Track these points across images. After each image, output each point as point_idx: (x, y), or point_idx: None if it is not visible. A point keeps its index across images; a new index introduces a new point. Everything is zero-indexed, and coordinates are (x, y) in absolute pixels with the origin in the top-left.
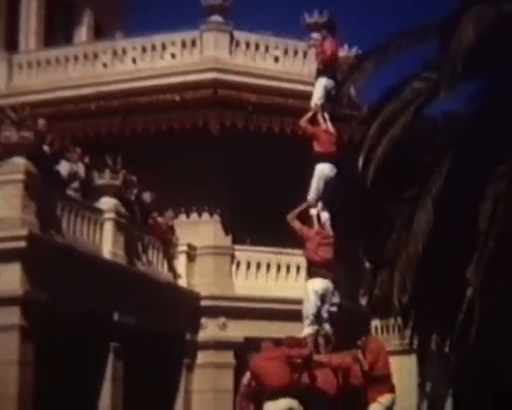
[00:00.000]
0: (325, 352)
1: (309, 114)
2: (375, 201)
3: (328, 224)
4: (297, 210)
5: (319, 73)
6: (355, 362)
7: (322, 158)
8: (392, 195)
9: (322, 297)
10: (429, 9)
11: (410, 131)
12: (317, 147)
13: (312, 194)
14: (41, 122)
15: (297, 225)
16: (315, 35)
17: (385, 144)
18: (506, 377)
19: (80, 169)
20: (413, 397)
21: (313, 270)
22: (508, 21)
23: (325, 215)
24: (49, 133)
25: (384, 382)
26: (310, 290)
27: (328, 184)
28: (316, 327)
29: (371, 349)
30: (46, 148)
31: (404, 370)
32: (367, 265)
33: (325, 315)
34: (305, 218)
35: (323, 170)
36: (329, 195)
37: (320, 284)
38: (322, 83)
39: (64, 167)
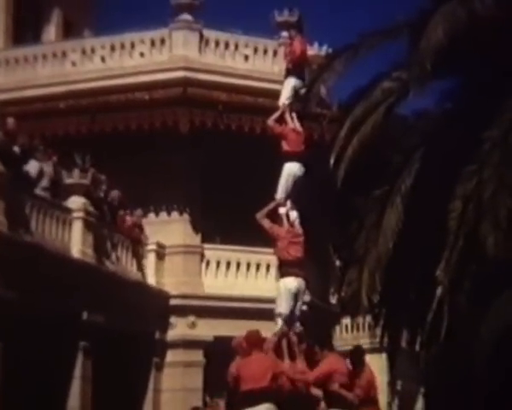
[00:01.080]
0: (298, 350)
1: (277, 114)
2: (345, 198)
3: (297, 222)
4: (266, 209)
5: (288, 73)
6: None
7: (291, 157)
8: (362, 192)
9: (295, 296)
10: (401, 8)
11: (380, 130)
12: (285, 146)
13: (281, 193)
14: (10, 121)
15: (267, 223)
16: (285, 34)
17: (355, 144)
18: (476, 374)
19: (48, 168)
20: (384, 395)
21: (285, 269)
22: (478, 20)
23: (294, 214)
24: (18, 132)
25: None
26: (283, 289)
27: (297, 183)
28: (285, 327)
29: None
30: (16, 149)
31: (374, 368)
32: (337, 263)
33: (297, 314)
34: (274, 217)
35: (292, 169)
36: (298, 194)
37: (293, 282)
38: (291, 83)
39: (33, 166)
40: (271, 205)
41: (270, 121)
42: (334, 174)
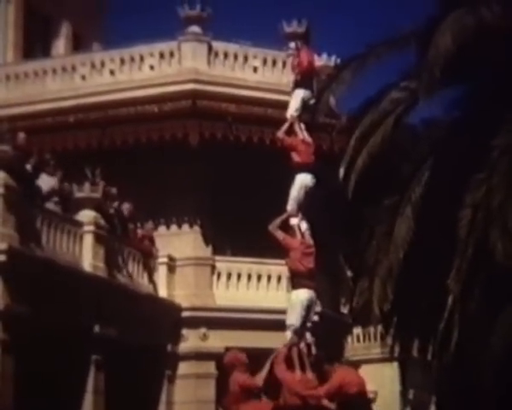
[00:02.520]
0: (308, 362)
1: (286, 126)
2: (355, 208)
3: (307, 234)
4: (278, 220)
5: (296, 84)
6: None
7: (302, 168)
8: (372, 202)
9: (308, 308)
10: (408, 16)
11: (389, 141)
12: (295, 157)
13: (293, 204)
14: (21, 136)
15: (280, 234)
16: (293, 45)
17: (365, 156)
18: (487, 382)
19: (53, 182)
20: (396, 405)
21: (297, 280)
22: (486, 28)
23: (304, 225)
24: (28, 147)
25: None
26: (296, 301)
27: (308, 193)
28: (296, 338)
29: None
30: (29, 166)
31: (386, 377)
32: (348, 273)
33: (308, 325)
34: (285, 228)
35: (303, 180)
36: (309, 204)
37: (305, 294)
38: (300, 94)
39: (44, 181)
40: (284, 216)
41: (280, 133)
42: (344, 185)
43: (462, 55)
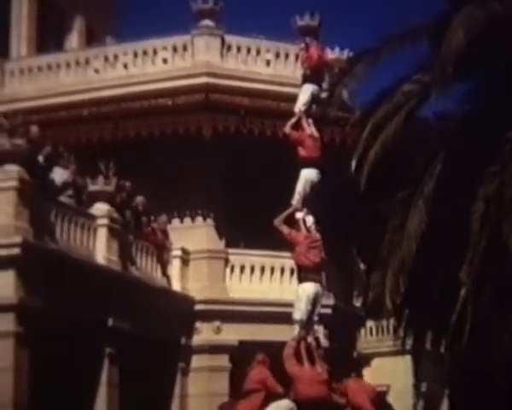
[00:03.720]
0: (317, 356)
1: (293, 120)
2: (368, 201)
3: (313, 228)
4: (283, 215)
5: (305, 79)
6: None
7: (308, 163)
8: (385, 195)
9: (314, 301)
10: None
11: (402, 133)
12: (302, 152)
13: (298, 198)
14: (34, 129)
15: (285, 229)
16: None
17: (377, 148)
18: (501, 376)
19: (66, 175)
20: (409, 398)
21: (303, 274)
22: (497, 22)
23: (310, 219)
24: (41, 140)
25: None
26: (302, 295)
27: (314, 188)
28: (303, 332)
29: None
30: (41, 157)
31: (399, 370)
32: (361, 266)
33: (316, 319)
34: (291, 222)
35: (308, 175)
36: (316, 199)
37: (312, 288)
38: (309, 89)
39: (58, 174)
40: (289, 211)
41: (287, 128)
42: (356, 177)
43: (474, 50)
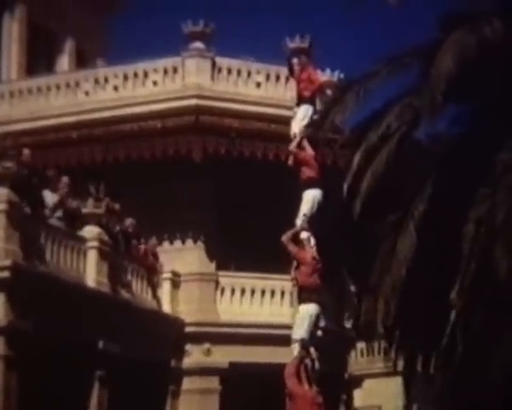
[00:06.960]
0: (312, 376)
1: (297, 140)
2: (360, 224)
3: (314, 249)
4: (290, 233)
5: (304, 100)
6: None
7: (314, 183)
8: (377, 218)
9: (315, 322)
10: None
11: (394, 160)
12: (307, 172)
13: (303, 218)
14: (26, 152)
15: (292, 247)
16: (295, 60)
17: (369, 178)
18: (492, 398)
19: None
20: None
21: (306, 295)
22: (488, 46)
23: (312, 240)
24: (32, 163)
25: None
26: (305, 315)
27: (318, 209)
28: (303, 352)
29: None
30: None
31: (390, 392)
32: (352, 288)
33: (314, 340)
34: (295, 241)
35: (316, 195)
36: (317, 220)
37: (314, 309)
38: (309, 110)
39: (48, 196)
40: (296, 229)
41: (293, 147)
42: (348, 203)
43: (465, 74)
